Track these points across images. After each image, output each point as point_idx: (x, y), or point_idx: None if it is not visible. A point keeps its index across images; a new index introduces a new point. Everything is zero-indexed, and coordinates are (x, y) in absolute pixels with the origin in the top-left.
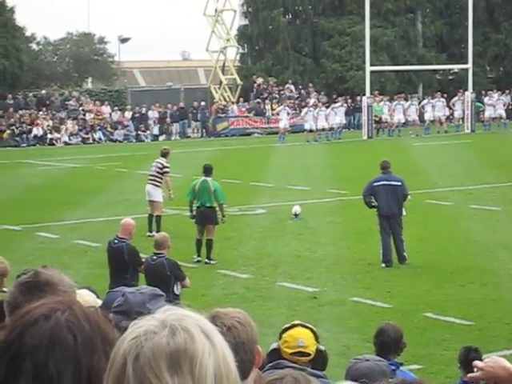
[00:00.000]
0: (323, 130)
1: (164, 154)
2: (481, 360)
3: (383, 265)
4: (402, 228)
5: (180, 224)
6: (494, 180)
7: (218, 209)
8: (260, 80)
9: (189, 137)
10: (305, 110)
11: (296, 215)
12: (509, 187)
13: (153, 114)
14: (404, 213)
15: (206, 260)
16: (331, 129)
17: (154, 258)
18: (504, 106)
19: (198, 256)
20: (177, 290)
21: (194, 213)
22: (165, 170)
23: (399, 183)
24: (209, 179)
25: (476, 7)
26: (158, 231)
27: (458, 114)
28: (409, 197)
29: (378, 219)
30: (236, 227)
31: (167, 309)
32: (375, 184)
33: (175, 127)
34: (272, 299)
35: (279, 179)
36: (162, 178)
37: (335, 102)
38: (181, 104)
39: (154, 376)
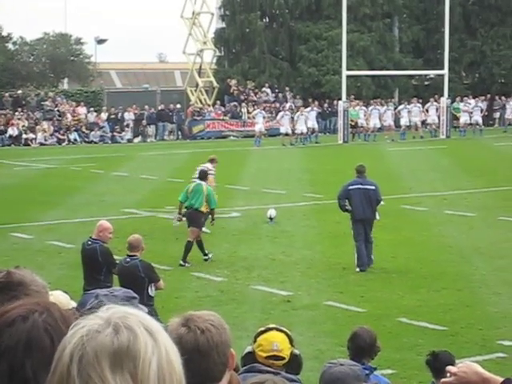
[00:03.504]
0: (301, 133)
1: (210, 161)
2: (452, 364)
3: (358, 269)
4: (371, 231)
5: (155, 225)
6: (469, 186)
7: (204, 212)
8: (233, 82)
9: (164, 139)
10: (280, 113)
11: (271, 219)
12: (483, 193)
13: (129, 116)
14: (378, 217)
15: (181, 262)
16: (305, 133)
17: (128, 260)
18: (481, 112)
19: (206, 255)
20: (151, 291)
21: (182, 214)
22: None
23: (373, 187)
24: (203, 183)
25: (453, 14)
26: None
27: (431, 119)
28: (382, 202)
29: (351, 223)
30: (210, 230)
31: (110, 307)
32: (350, 187)
33: (152, 129)
34: (246, 302)
35: (255, 182)
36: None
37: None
38: (161, 106)
39: (97, 376)
